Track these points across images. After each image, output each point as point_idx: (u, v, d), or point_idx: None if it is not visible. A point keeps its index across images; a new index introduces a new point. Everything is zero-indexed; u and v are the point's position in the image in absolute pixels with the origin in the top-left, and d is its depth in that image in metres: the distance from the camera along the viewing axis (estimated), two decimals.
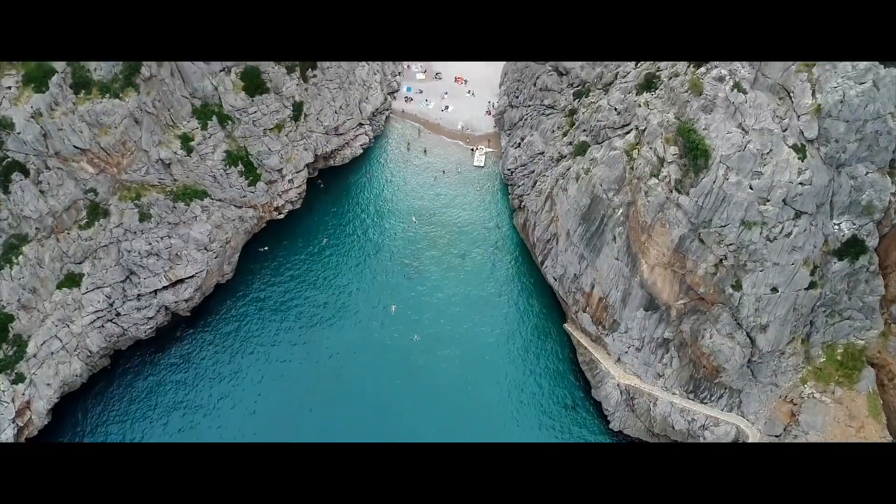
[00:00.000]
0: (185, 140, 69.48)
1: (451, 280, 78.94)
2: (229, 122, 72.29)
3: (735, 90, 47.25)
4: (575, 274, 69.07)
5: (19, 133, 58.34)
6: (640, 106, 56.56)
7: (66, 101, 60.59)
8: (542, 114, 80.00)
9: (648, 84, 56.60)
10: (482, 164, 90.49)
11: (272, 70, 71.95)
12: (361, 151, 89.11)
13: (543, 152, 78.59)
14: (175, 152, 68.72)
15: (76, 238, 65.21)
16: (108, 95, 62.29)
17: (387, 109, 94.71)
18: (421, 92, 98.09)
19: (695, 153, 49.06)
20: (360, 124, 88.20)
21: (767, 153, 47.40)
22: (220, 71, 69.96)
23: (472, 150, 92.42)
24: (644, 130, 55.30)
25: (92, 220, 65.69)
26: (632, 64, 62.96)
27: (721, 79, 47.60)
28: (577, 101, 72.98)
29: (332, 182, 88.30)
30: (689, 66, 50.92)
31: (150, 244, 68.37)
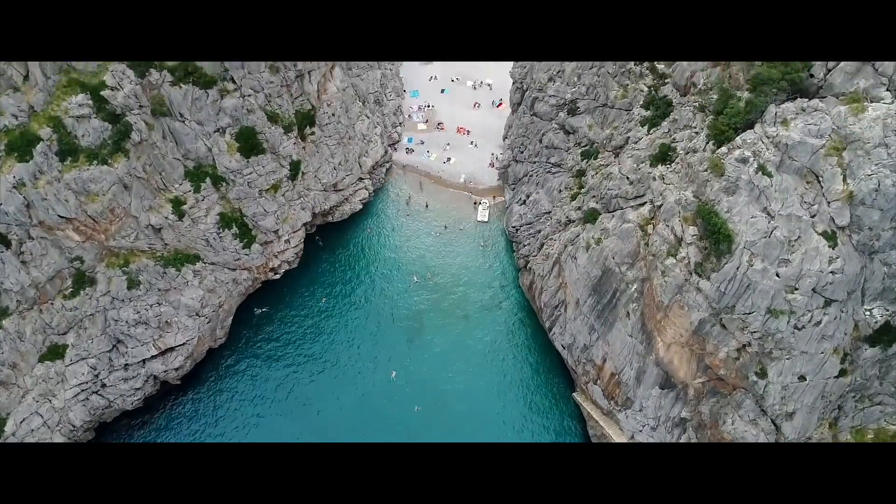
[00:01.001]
0: (177, 204, 66.50)
1: (454, 343, 75.44)
2: (223, 184, 69.39)
3: (759, 173, 44.37)
4: (585, 344, 65.65)
5: (0, 205, 55.29)
6: (654, 179, 53.70)
7: (51, 169, 57.55)
8: (549, 171, 77.25)
9: (663, 156, 53.79)
10: (486, 219, 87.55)
11: (268, 130, 69.23)
12: (361, 207, 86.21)
13: (550, 212, 75.70)
14: (166, 217, 65.67)
15: (60, 308, 61.79)
16: (95, 162, 59.34)
17: (387, 162, 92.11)
18: (422, 143, 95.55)
19: (717, 237, 46.02)
20: (360, 179, 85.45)
21: (795, 240, 44.37)
22: (215, 132, 67.19)
23: (476, 203, 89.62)
24: (660, 206, 52.35)
25: (77, 289, 62.33)
26: (644, 129, 60.32)
27: (744, 160, 44.73)
28: (585, 161, 70.25)
29: (331, 239, 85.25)
30: (707, 143, 48.09)
31: (138, 312, 65.03)
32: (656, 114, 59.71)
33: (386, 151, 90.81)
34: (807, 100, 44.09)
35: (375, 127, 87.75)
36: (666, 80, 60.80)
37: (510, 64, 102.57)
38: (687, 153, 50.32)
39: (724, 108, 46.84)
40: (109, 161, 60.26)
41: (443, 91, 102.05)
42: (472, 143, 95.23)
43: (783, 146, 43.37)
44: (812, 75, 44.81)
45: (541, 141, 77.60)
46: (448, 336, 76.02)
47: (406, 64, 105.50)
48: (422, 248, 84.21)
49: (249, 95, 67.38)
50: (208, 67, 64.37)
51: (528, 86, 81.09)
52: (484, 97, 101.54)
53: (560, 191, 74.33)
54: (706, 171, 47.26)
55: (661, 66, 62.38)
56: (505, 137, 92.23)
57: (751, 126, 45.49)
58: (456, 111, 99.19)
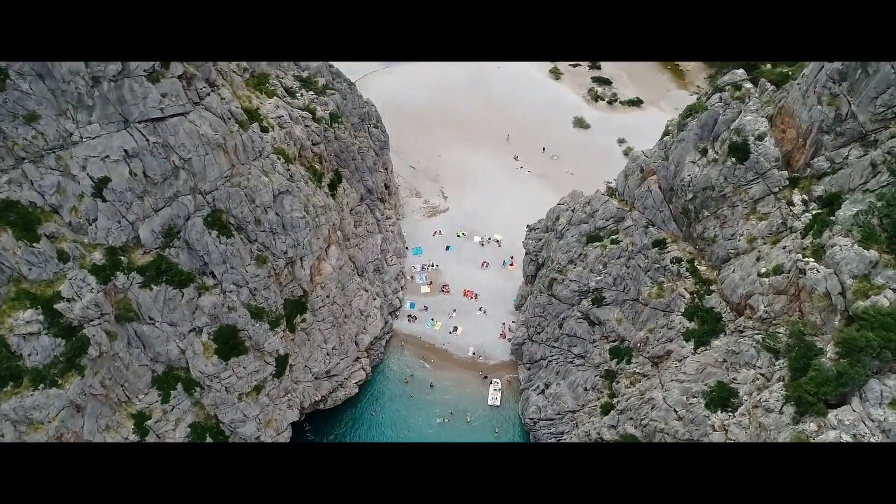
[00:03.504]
0: (140, 420, 56.70)
1: None
2: (197, 389, 59.89)
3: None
4: None
5: None
6: (713, 428, 44.18)
7: None
8: (571, 362, 67.98)
9: (723, 400, 44.53)
10: (498, 403, 77.34)
11: (252, 328, 60.46)
12: (357, 390, 76.29)
13: (574, 412, 65.78)
14: (126, 438, 55.68)
15: None
16: (42, 386, 50.03)
17: (387, 333, 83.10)
18: (426, 309, 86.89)
19: None
20: (357, 359, 76.06)
21: None
22: (190, 332, 58.40)
23: (485, 377, 79.86)
24: None
25: None
26: (689, 345, 51.57)
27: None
28: (615, 361, 61.19)
29: (322, 427, 74.76)
30: (785, 405, 38.85)
31: None
32: (703, 329, 51.18)
33: (386, 322, 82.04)
34: None
35: (375, 299, 79.38)
36: (711, 288, 52.71)
37: (520, 220, 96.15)
38: (756, 407, 41.00)
39: (804, 365, 38.04)
40: (60, 381, 50.97)
41: (448, 248, 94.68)
42: (480, 309, 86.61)
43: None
44: None
45: (560, 326, 68.85)
46: None
47: (407, 217, 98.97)
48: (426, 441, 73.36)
49: (231, 291, 59.11)
50: (184, 263, 56.49)
51: (544, 261, 73.41)
52: (492, 255, 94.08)
53: (586, 389, 64.79)
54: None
55: (702, 269, 54.56)
56: (518, 308, 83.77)
57: (844, 398, 36.50)
58: (462, 271, 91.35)
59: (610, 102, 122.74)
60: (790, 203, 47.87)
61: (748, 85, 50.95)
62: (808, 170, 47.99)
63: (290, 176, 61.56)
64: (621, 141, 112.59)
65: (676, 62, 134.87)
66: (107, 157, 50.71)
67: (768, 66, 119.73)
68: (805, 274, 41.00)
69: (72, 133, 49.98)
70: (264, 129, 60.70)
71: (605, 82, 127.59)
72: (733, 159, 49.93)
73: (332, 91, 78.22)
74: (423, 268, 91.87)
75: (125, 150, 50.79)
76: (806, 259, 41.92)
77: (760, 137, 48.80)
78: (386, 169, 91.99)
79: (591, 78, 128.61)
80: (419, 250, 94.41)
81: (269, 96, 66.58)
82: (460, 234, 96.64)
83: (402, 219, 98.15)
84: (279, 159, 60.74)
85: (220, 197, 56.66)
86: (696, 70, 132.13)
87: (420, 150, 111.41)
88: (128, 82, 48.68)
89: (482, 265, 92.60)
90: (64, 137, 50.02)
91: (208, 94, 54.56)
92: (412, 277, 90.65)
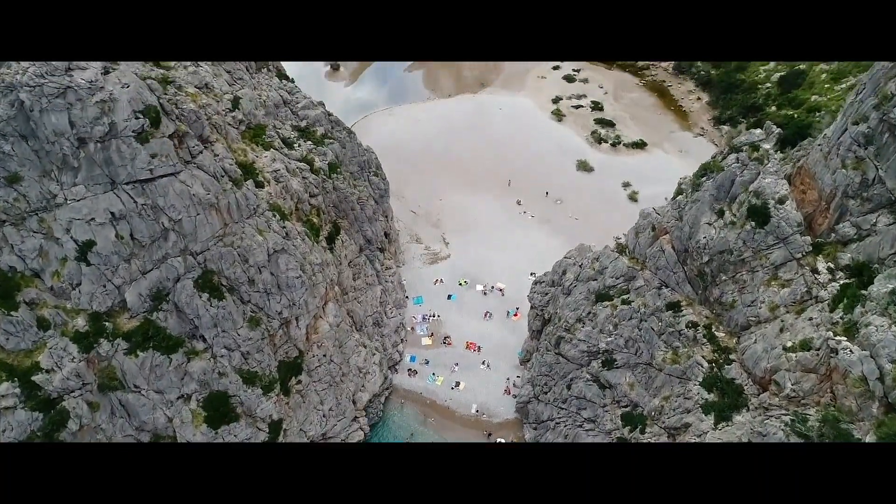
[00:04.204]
0: None
1: None
2: None
3: None
4: None
5: None
6: None
7: None
8: (580, 426, 64.56)
9: None
10: None
11: (244, 393, 57.24)
12: None
13: None
14: None
15: None
16: None
17: (387, 389, 79.66)
18: (427, 362, 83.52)
19: None
20: (355, 419, 72.57)
21: None
22: (178, 399, 55.17)
23: (489, 435, 76.11)
24: None
25: None
26: (709, 420, 48.31)
27: None
28: (627, 430, 57.78)
29: None
30: None
31: None
32: (724, 402, 48.00)
33: (385, 378, 78.67)
34: None
35: (373, 354, 76.17)
36: (731, 357, 49.67)
37: (523, 267, 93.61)
38: None
39: None
40: None
41: (449, 297, 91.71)
42: (484, 363, 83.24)
43: None
44: None
45: (569, 388, 65.59)
46: None
47: (408, 264, 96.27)
48: None
49: (222, 356, 56.05)
50: (173, 327, 53.53)
51: (551, 317, 70.46)
52: (496, 304, 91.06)
53: None
54: None
55: (720, 335, 51.59)
56: (523, 362, 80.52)
57: None
58: (465, 322, 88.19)
59: (613, 145, 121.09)
60: (815, 270, 45.18)
61: (766, 146, 48.64)
62: (833, 235, 45.42)
63: (286, 233, 59.01)
64: (626, 185, 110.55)
65: (680, 105, 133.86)
66: (92, 219, 48.19)
67: (773, 107, 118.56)
68: (837, 354, 38.08)
69: (56, 195, 47.58)
70: (259, 185, 58.37)
71: (608, 124, 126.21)
72: (752, 223, 47.38)
73: (331, 140, 76.21)
74: (424, 318, 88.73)
75: (112, 213, 48.31)
76: (838, 337, 39.05)
77: (781, 201, 46.31)
78: (386, 217, 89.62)
79: (594, 119, 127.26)
80: (420, 299, 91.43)
81: (266, 148, 64.43)
82: (462, 283, 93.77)
83: (402, 266, 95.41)
84: (274, 216, 58.26)
85: (212, 258, 54.02)
86: (699, 111, 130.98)
87: (421, 194, 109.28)
88: (115, 143, 46.41)
89: (485, 315, 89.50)
90: (47, 199, 47.61)
91: (201, 152, 52.31)
92: (413, 329, 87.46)
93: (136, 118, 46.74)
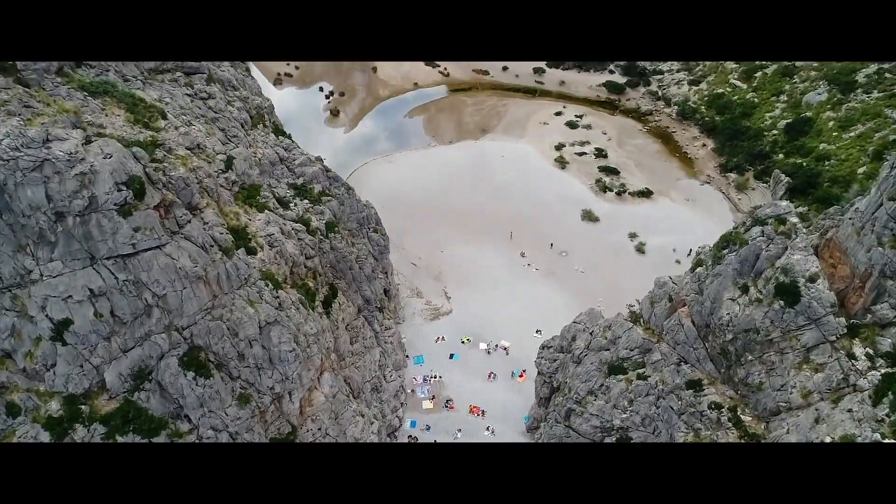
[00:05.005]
0: None
1: None
2: None
3: None
4: None
5: None
6: None
7: None
8: None
9: None
10: None
11: None
12: None
13: None
14: None
15: None
16: None
17: None
18: (428, 428, 79.23)
19: None
20: None
21: None
22: None
23: None
24: None
25: None
26: None
27: None
28: None
29: None
30: None
31: None
32: None
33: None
34: None
35: (372, 423, 71.87)
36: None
37: (528, 324, 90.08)
38: None
39: None
40: None
41: (452, 356, 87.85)
42: (488, 428, 78.96)
43: None
44: None
45: None
46: None
47: (408, 320, 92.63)
48: None
49: (209, 438, 51.99)
50: (156, 407, 49.64)
51: (560, 385, 66.52)
52: (500, 364, 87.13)
53: None
54: None
55: (747, 419, 47.74)
56: (529, 430, 76.28)
57: None
58: (467, 384, 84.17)
59: (619, 193, 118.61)
60: (851, 356, 41.60)
61: (794, 219, 45.52)
62: (869, 316, 41.99)
63: (279, 303, 55.52)
64: (633, 235, 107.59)
65: (685, 151, 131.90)
66: (69, 296, 44.70)
67: (780, 155, 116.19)
68: None
69: (31, 270, 44.18)
70: (252, 252, 55.14)
71: (613, 171, 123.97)
72: (781, 302, 43.95)
73: (329, 197, 73.34)
74: (425, 379, 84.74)
75: (90, 290, 44.83)
76: (885, 438, 35.28)
77: (812, 279, 42.99)
78: (385, 273, 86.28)
79: (598, 167, 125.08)
80: (420, 359, 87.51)
81: (260, 210, 61.42)
82: (465, 340, 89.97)
83: (402, 322, 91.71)
84: (267, 285, 54.85)
85: (199, 332, 50.40)
86: (705, 158, 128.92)
87: (422, 245, 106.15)
88: (95, 217, 43.21)
89: (489, 376, 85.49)
90: (21, 275, 44.20)
91: (189, 222, 49.16)
92: (413, 391, 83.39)
93: (119, 190, 43.65)
